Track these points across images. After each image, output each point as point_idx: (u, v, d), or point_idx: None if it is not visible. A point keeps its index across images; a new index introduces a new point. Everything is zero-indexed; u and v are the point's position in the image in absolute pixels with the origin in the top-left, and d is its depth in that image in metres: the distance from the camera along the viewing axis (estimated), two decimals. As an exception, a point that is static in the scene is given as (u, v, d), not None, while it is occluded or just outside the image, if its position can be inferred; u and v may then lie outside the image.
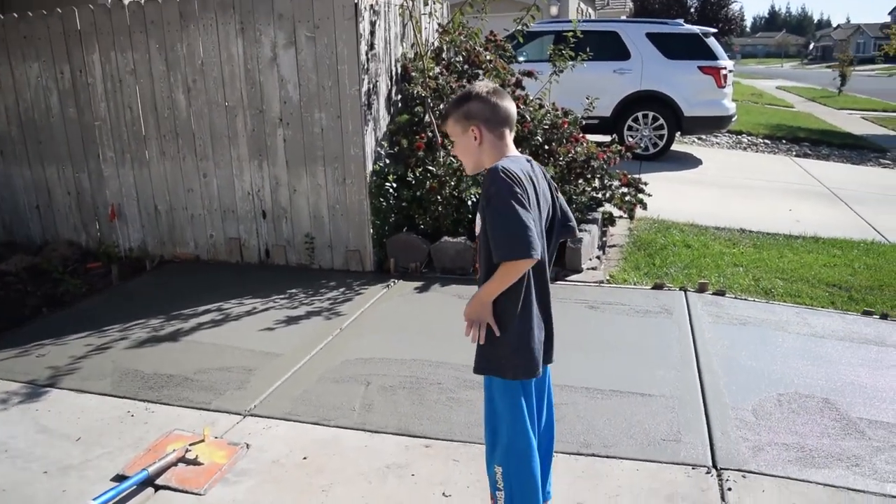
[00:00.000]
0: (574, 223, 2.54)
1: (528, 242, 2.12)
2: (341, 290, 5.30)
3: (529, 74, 6.74)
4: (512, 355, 2.30)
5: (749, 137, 13.67)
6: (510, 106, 2.38)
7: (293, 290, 5.29)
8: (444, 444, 3.31)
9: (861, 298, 5.25)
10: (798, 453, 3.26)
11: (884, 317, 4.93)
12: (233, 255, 6.06)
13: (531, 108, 6.26)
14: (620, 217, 6.57)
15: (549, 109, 6.41)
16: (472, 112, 2.36)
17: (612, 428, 3.41)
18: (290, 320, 4.75)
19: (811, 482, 3.05)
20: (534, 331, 2.33)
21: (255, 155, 5.79)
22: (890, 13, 43.28)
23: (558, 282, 5.21)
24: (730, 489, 2.98)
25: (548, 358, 2.46)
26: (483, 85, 2.42)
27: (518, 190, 2.16)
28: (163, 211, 6.18)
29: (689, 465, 3.14)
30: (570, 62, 6.55)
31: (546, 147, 6.15)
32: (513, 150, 2.39)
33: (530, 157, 2.43)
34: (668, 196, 7.87)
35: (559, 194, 2.50)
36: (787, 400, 3.72)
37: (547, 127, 6.17)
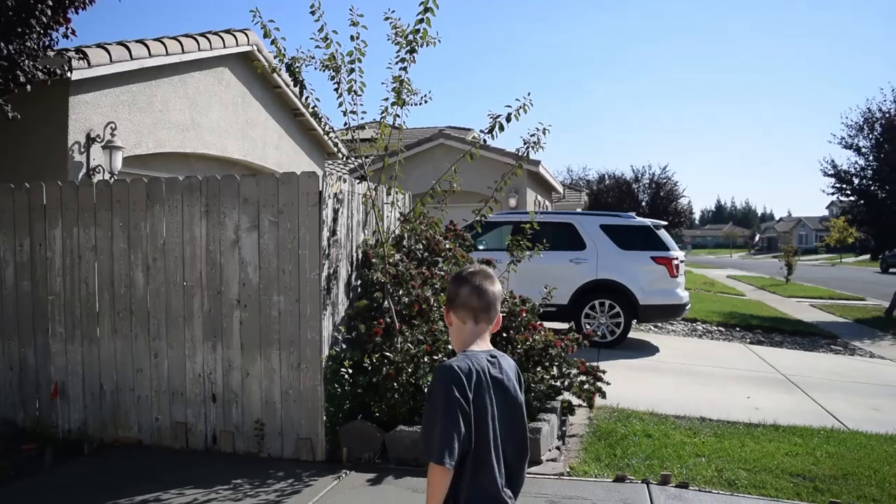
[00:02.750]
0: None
1: (440, 450, 2.12)
2: (290, 480, 5.02)
3: (488, 263, 6.84)
4: None
5: (703, 325, 13.96)
6: (483, 289, 2.36)
7: (238, 481, 5.00)
8: None
9: (826, 489, 5.15)
10: None
11: (851, 510, 4.81)
12: (178, 441, 5.78)
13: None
14: (580, 405, 6.49)
15: (507, 297, 6.49)
16: (447, 293, 2.43)
17: None
18: (233, 514, 4.45)
19: None
20: None
21: (210, 336, 5.69)
22: (827, 207, 46.18)
23: (517, 473, 5.01)
24: None
25: None
26: (469, 266, 2.47)
27: (456, 394, 2.15)
28: (108, 391, 5.95)
29: None
30: (528, 252, 6.73)
31: (504, 335, 6.17)
32: (480, 341, 2.37)
33: (497, 354, 2.39)
34: (626, 384, 7.84)
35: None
36: None
37: (505, 314, 6.22)
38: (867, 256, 52.29)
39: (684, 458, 5.60)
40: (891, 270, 37.55)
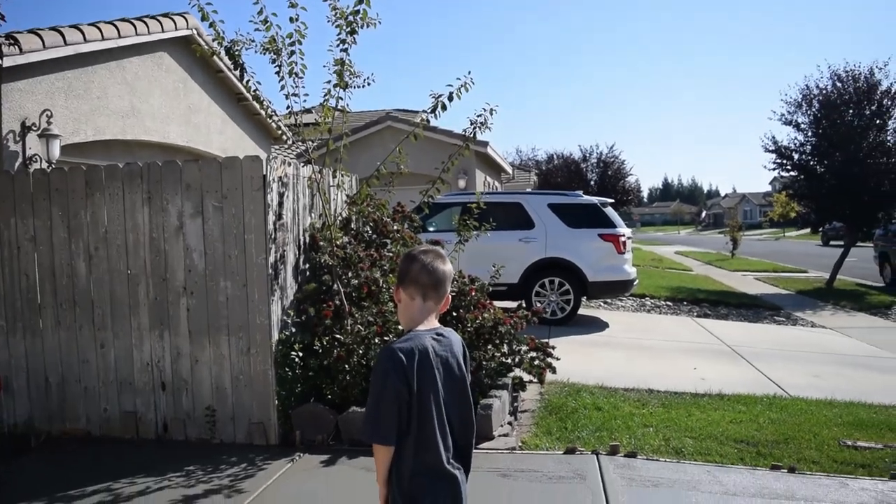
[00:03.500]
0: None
1: (378, 430, 2.24)
2: (243, 465, 5.01)
3: (437, 244, 6.86)
4: None
5: (652, 300, 14.23)
6: (433, 267, 2.40)
7: (191, 467, 4.96)
8: None
9: (768, 453, 5.33)
10: None
11: (791, 470, 5.00)
12: (128, 431, 5.70)
13: (439, 276, 6.36)
14: (531, 381, 6.58)
15: (457, 277, 6.53)
16: (398, 270, 2.48)
17: None
18: (187, 500, 4.41)
19: None
20: (426, 502, 2.28)
21: (157, 324, 5.61)
22: (770, 183, 47.27)
23: (469, 449, 5.07)
24: None
25: None
26: (421, 245, 2.51)
27: (392, 377, 2.22)
28: (54, 383, 5.83)
29: None
30: (475, 232, 6.77)
31: (454, 314, 6.21)
32: (428, 320, 2.41)
33: (444, 331, 2.43)
34: (577, 359, 7.97)
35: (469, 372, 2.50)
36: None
37: (454, 294, 6.26)
38: (809, 230, 53.79)
39: (633, 429, 5.74)
40: (831, 243, 38.62)
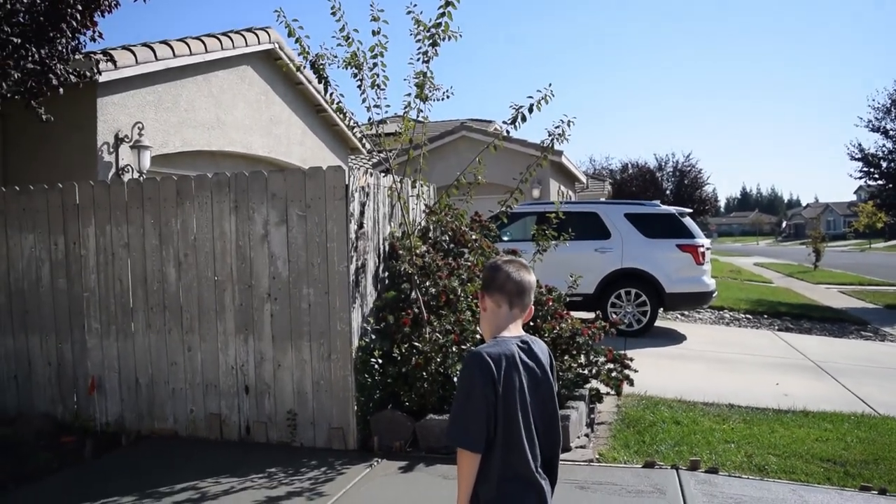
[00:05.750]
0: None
1: (466, 435, 2.24)
2: (323, 469, 5.12)
3: (514, 253, 6.90)
4: None
5: (731, 313, 13.88)
6: (519, 277, 2.44)
7: (273, 469, 5.10)
8: None
9: (857, 473, 5.14)
10: None
11: (882, 492, 4.81)
12: (212, 432, 5.90)
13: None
14: (608, 394, 6.51)
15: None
16: (483, 278, 2.52)
17: None
18: (270, 501, 4.54)
19: None
20: None
21: (242, 329, 5.80)
22: (855, 192, 45.60)
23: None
24: None
25: None
26: (505, 255, 2.56)
27: (483, 380, 2.23)
28: (143, 384, 6.09)
29: None
30: (553, 241, 6.76)
31: (531, 323, 6.20)
32: (513, 327, 2.43)
33: (530, 339, 2.45)
34: (654, 371, 7.85)
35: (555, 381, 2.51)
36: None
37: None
38: (897, 241, 51.51)
39: (713, 444, 5.62)
40: (922, 255, 36.95)
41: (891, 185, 17.33)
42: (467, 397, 2.26)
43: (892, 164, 17.12)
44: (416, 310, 5.85)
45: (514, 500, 2.30)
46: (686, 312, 13.22)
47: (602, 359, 6.40)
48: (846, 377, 8.42)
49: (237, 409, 5.85)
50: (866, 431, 6.12)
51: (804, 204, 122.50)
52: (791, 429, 6.12)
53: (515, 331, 2.44)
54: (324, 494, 4.64)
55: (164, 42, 8.72)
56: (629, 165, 42.49)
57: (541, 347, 2.46)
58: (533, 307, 2.54)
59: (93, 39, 6.62)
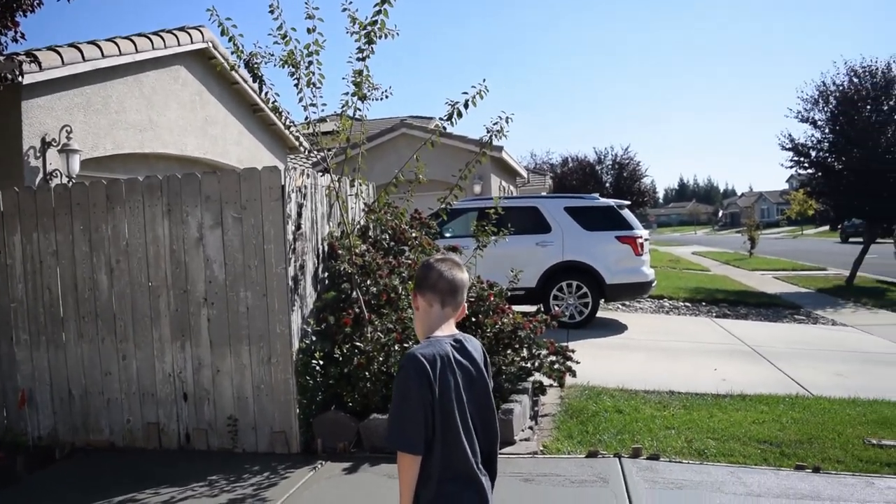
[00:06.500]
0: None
1: (406, 437, 2.23)
2: (266, 474, 5.04)
3: (454, 250, 6.90)
4: None
5: (670, 301, 14.16)
6: (451, 275, 2.42)
7: (214, 477, 4.99)
8: None
9: (792, 453, 5.30)
10: None
11: (816, 470, 4.97)
12: (150, 441, 5.75)
13: (457, 283, 6.37)
14: (551, 385, 6.58)
15: (475, 283, 6.54)
16: (416, 278, 2.50)
17: None
18: (211, 511, 4.45)
19: None
20: None
21: (178, 335, 5.67)
22: (787, 181, 47.00)
23: (492, 455, 5.07)
24: None
25: None
26: (437, 254, 2.54)
27: (415, 382, 2.23)
28: (77, 396, 5.90)
29: None
30: (493, 237, 6.78)
31: (473, 319, 6.22)
32: (446, 326, 2.42)
33: (463, 337, 2.44)
34: (596, 362, 7.95)
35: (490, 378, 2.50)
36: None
37: (473, 299, 6.27)
38: (827, 227, 53.32)
39: (654, 431, 5.72)
40: (850, 240, 38.23)
41: (820, 174, 17.88)
42: (403, 400, 2.25)
43: (821, 154, 17.65)
44: (356, 309, 5.80)
45: (454, 499, 2.29)
46: (627, 303, 13.44)
47: (544, 351, 6.45)
48: (781, 360, 8.68)
49: (176, 417, 5.71)
50: (800, 412, 6.31)
51: (739, 193, 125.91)
52: (729, 413, 6.27)
53: (448, 329, 2.43)
54: (267, 500, 4.56)
55: (93, 42, 8.45)
56: (569, 159, 42.97)
57: (474, 345, 2.45)
58: (468, 303, 2.52)
59: (14, 41, 6.36)
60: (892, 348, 9.88)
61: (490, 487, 2.41)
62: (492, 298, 6.43)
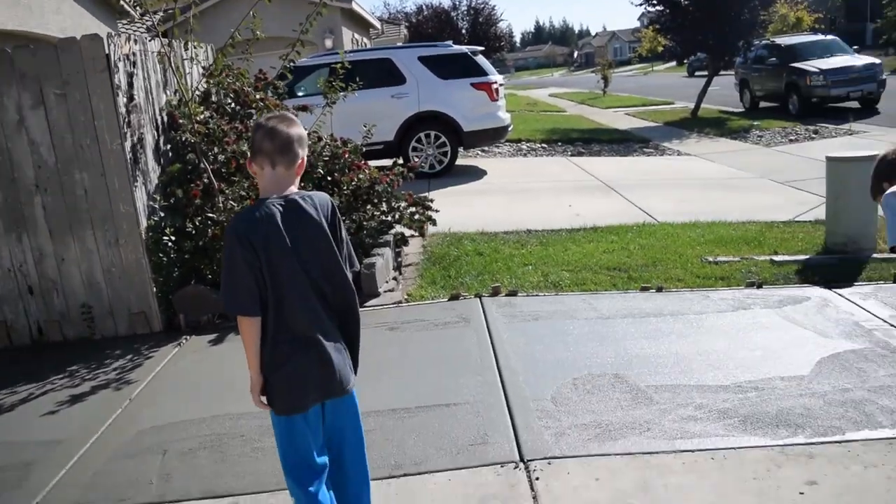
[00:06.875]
0: (353, 267, 2.52)
1: (237, 300, 2.30)
2: (129, 356, 4.94)
3: (304, 109, 6.68)
4: (274, 392, 2.38)
5: (528, 144, 14.46)
6: (274, 133, 2.32)
7: (73, 367, 4.84)
8: (251, 497, 3.17)
9: (639, 276, 5.71)
10: (596, 430, 3.46)
11: (659, 290, 5.40)
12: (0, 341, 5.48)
13: (310, 143, 6.22)
14: (412, 236, 6.69)
15: (328, 141, 6.40)
16: (249, 143, 2.50)
17: (421, 444, 3.43)
18: (74, 399, 4.34)
19: (610, 454, 3.27)
20: (287, 370, 2.35)
21: (12, 228, 5.27)
22: (639, 18, 47.83)
23: (358, 309, 5.16)
24: (537, 478, 3.10)
25: (330, 391, 2.43)
26: (268, 113, 2.46)
27: (236, 248, 2.25)
28: (-89, 303, 5.48)
29: (497, 463, 3.24)
30: (342, 93, 6.58)
31: (329, 178, 6.13)
32: (284, 185, 2.36)
33: (300, 195, 2.37)
34: (458, 209, 8.13)
35: (342, 233, 2.46)
36: (581, 382, 3.95)
37: (327, 158, 6.16)
38: (675, 63, 55.10)
39: (513, 269, 5.98)
40: (696, 74, 39.74)
41: (668, 10, 18.26)
42: (230, 266, 2.28)
43: (669, -9, 17.95)
44: (205, 180, 5.57)
45: (286, 359, 2.34)
46: (486, 148, 13.62)
47: (403, 204, 6.50)
48: (631, 192, 9.16)
49: (23, 312, 5.42)
50: (647, 238, 6.76)
51: (594, 33, 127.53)
52: (582, 245, 6.63)
53: (287, 189, 2.36)
54: (133, 381, 4.50)
55: None
56: (424, 7, 41.85)
57: (318, 202, 2.39)
58: (306, 159, 2.45)
59: None
60: (729, 173, 10.63)
61: (343, 349, 2.45)
62: (346, 155, 6.33)
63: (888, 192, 2.58)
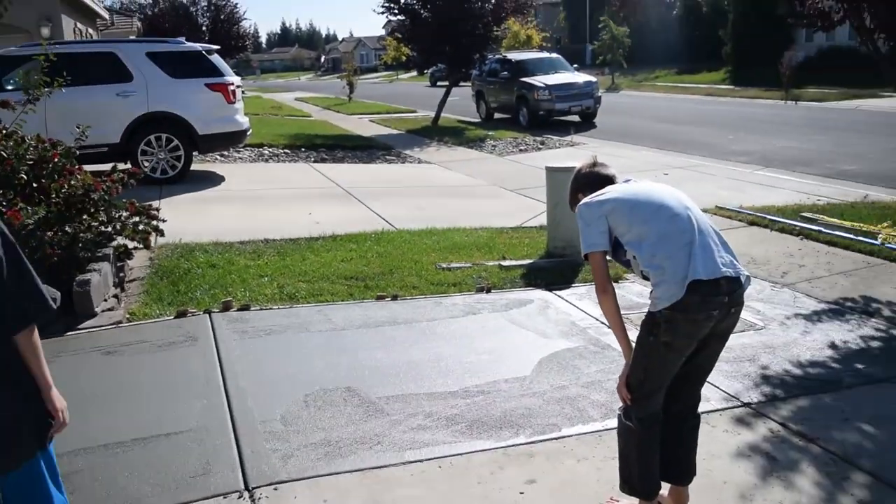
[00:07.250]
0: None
1: None
2: None
3: (4, 105, 5.90)
4: None
5: (270, 149, 14.08)
6: None
7: None
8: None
9: (375, 285, 5.74)
10: (326, 448, 3.39)
11: (394, 298, 5.48)
12: None
13: (11, 144, 5.50)
14: (136, 248, 6.16)
15: (36, 143, 5.69)
16: None
17: (136, 481, 3.14)
18: None
19: (340, 472, 3.22)
20: None
21: None
22: (384, 27, 48.82)
23: (69, 333, 4.58)
24: (262, 507, 2.95)
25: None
26: None
27: None
28: None
29: (220, 495, 3.06)
30: (46, 88, 5.89)
31: (35, 185, 5.45)
32: None
33: None
34: (192, 217, 7.68)
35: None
36: (312, 399, 3.86)
37: (32, 162, 5.48)
38: (416, 73, 57.03)
39: (248, 282, 5.74)
40: (438, 84, 41.53)
41: (409, 21, 18.78)
42: None
43: (409, 1, 18.44)
44: None
45: None
46: (225, 153, 13.08)
47: (125, 213, 5.96)
48: (371, 199, 9.26)
49: None
50: (385, 246, 6.85)
51: (340, 39, 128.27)
52: (321, 254, 6.55)
53: None
54: None
55: None
56: (161, 0, 39.32)
57: None
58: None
59: None
60: (465, 181, 11.18)
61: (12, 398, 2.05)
62: (57, 159, 5.67)
63: (580, 202, 2.79)
